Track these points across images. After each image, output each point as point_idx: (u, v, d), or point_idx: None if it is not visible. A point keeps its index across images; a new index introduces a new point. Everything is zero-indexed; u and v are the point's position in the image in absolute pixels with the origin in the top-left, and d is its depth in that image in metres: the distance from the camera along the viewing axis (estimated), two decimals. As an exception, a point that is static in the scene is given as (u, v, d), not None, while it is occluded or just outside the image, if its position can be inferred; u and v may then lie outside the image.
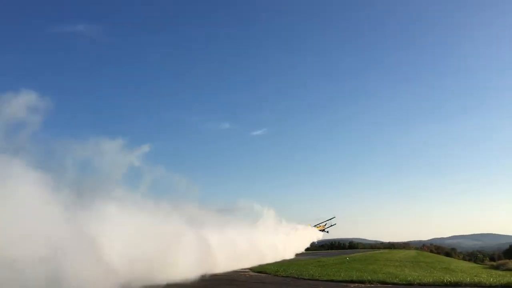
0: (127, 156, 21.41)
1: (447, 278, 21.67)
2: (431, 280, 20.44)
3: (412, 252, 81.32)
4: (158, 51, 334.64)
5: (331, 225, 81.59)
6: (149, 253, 18.83)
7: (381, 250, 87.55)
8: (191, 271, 21.44)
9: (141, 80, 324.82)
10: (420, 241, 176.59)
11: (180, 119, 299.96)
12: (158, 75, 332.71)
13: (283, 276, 23.61)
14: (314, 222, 76.65)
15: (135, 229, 18.45)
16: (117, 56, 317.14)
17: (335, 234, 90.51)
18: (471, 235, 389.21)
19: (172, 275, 20.07)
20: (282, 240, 48.12)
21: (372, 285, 19.42)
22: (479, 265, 63.73)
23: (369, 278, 21.08)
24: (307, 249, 70.21)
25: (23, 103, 15.03)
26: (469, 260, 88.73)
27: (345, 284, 19.58)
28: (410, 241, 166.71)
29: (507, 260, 54.13)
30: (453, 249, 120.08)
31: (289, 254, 50.48)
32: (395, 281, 20.24)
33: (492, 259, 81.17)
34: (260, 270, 27.42)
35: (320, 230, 77.65)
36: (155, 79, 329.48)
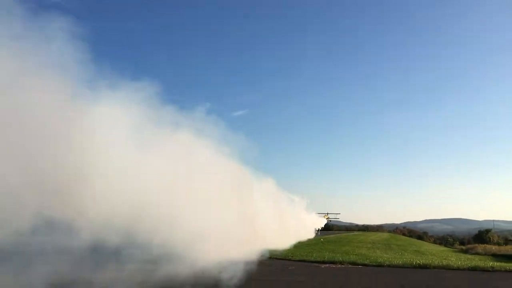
0: None
1: (417, 260, 22.07)
2: (401, 262, 20.77)
3: (385, 235, 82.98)
4: (141, 27, 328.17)
5: (334, 218, 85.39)
6: None
7: (355, 232, 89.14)
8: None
9: (122, 56, 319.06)
10: (393, 224, 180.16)
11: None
12: (140, 50, 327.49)
13: (255, 255, 23.57)
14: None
15: None
16: (97, 29, 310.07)
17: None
18: (443, 219, 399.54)
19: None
20: (304, 218, 46.86)
21: (343, 265, 19.61)
22: (449, 248, 65.24)
23: (340, 259, 21.33)
24: None
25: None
26: (440, 243, 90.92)
27: (316, 264, 19.71)
28: (384, 224, 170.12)
29: (476, 245, 55.35)
30: (425, 233, 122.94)
31: (309, 233, 50.43)
32: (365, 262, 20.48)
33: (462, 243, 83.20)
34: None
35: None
36: (136, 54, 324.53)
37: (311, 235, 51.84)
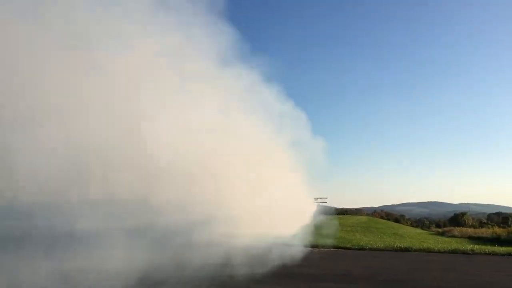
0: None
1: (397, 243, 22.19)
2: (382, 245, 20.84)
3: (364, 218, 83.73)
4: None
5: (323, 203, 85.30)
6: None
7: (334, 216, 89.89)
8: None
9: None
10: (371, 208, 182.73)
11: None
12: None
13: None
14: None
15: None
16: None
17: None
18: (419, 202, 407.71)
19: None
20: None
21: (325, 249, 19.53)
22: (425, 231, 66.28)
23: (321, 242, 21.23)
24: None
25: None
26: (417, 226, 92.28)
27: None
28: (362, 207, 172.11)
29: (452, 227, 56.33)
30: (402, 216, 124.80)
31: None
32: (347, 246, 20.46)
33: (438, 225, 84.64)
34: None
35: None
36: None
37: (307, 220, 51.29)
